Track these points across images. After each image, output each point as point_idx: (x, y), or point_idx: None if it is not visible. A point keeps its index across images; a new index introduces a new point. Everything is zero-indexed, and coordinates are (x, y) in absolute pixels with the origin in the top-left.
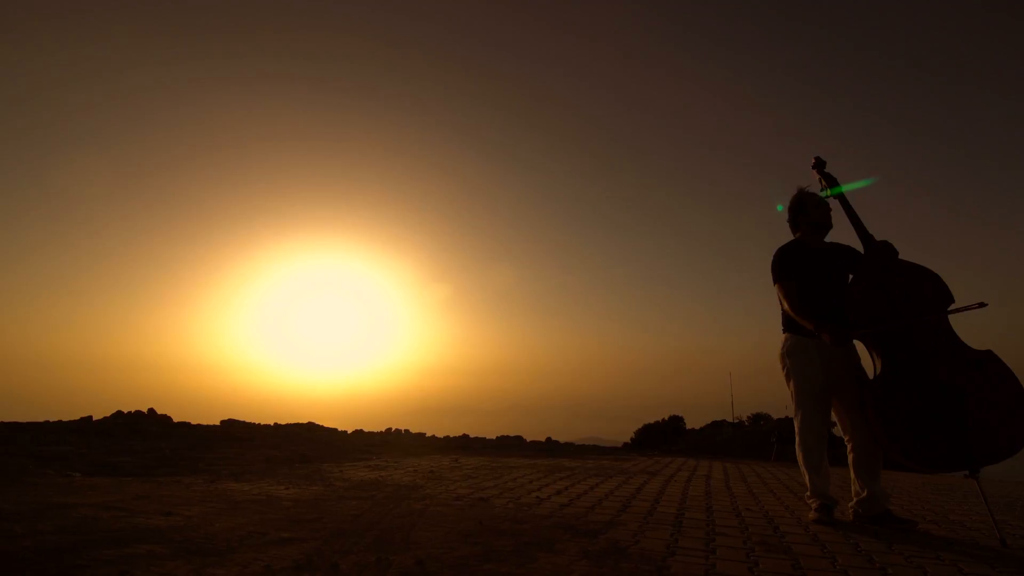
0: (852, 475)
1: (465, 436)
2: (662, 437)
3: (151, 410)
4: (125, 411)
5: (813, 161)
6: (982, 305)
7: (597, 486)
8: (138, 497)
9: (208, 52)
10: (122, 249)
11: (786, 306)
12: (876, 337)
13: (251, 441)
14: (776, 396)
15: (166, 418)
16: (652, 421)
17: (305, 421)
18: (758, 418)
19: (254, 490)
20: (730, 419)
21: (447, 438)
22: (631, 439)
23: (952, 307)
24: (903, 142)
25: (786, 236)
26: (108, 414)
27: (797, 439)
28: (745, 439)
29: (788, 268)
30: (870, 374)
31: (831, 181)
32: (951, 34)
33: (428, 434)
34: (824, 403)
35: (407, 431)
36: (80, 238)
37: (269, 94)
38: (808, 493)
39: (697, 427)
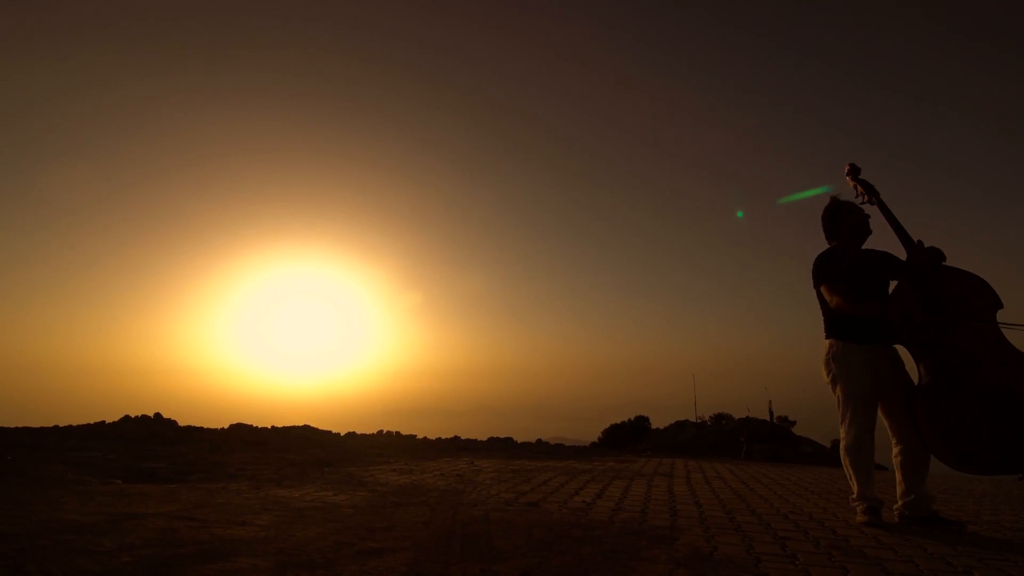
0: (899, 477)
1: (456, 438)
2: (629, 437)
3: (157, 414)
4: (132, 415)
5: (847, 168)
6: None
7: (630, 488)
8: (198, 506)
9: (190, 67)
10: (107, 256)
11: (838, 303)
12: (924, 341)
13: (263, 444)
14: (737, 396)
15: (172, 422)
16: (618, 421)
17: (301, 424)
18: (720, 418)
19: (306, 496)
20: (693, 419)
21: (439, 440)
22: (598, 439)
23: (1007, 322)
24: (864, 153)
25: (751, 241)
26: (116, 419)
27: (843, 443)
28: (708, 438)
29: (833, 271)
30: (914, 380)
31: (869, 188)
32: (915, 51)
33: (419, 436)
34: (871, 407)
35: (398, 433)
36: (67, 246)
37: (251, 107)
38: (854, 496)
39: (662, 427)
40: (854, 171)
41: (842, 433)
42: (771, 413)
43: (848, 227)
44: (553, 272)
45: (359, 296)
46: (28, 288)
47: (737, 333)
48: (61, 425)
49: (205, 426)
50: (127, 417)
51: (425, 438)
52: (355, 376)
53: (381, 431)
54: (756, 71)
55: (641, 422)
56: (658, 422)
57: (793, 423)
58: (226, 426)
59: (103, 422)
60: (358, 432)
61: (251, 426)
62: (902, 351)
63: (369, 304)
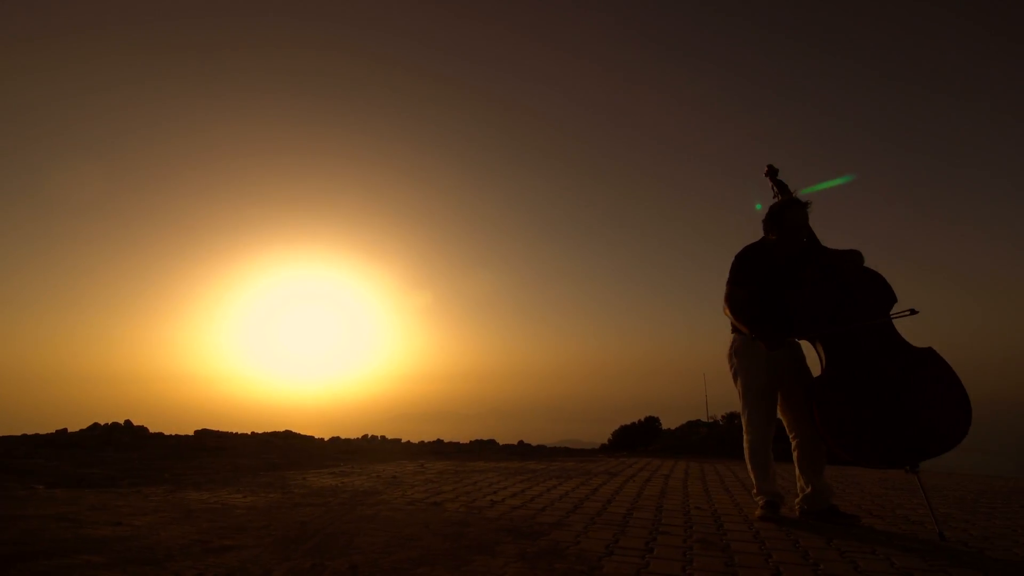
0: (797, 472)
1: (439, 441)
2: (639, 438)
3: (127, 421)
4: (102, 423)
5: (766, 169)
6: (913, 312)
7: (555, 488)
8: (93, 508)
9: (195, 70)
10: (111, 260)
11: (727, 310)
12: (823, 337)
13: (223, 450)
14: None
15: (142, 429)
16: (628, 422)
17: (283, 430)
18: (732, 417)
19: (212, 499)
20: (705, 419)
21: (421, 443)
22: (608, 441)
23: (892, 313)
24: (871, 146)
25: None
26: (85, 426)
27: (744, 438)
28: (719, 438)
29: (745, 272)
30: (816, 372)
31: (783, 189)
32: (920, 43)
33: (404, 440)
34: (770, 402)
35: (383, 437)
36: (69, 250)
37: (255, 109)
38: (755, 491)
39: (673, 427)
40: (772, 172)
41: (743, 428)
42: None
43: (789, 224)
44: (564, 271)
45: (369, 299)
46: (29, 293)
47: None
48: (29, 434)
49: (179, 433)
50: (95, 425)
51: (408, 442)
52: (367, 380)
53: (365, 436)
54: (770, 67)
55: (651, 423)
56: (669, 422)
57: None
58: (191, 432)
59: (64, 430)
60: (343, 437)
61: (216, 432)
62: (807, 346)
63: (380, 307)
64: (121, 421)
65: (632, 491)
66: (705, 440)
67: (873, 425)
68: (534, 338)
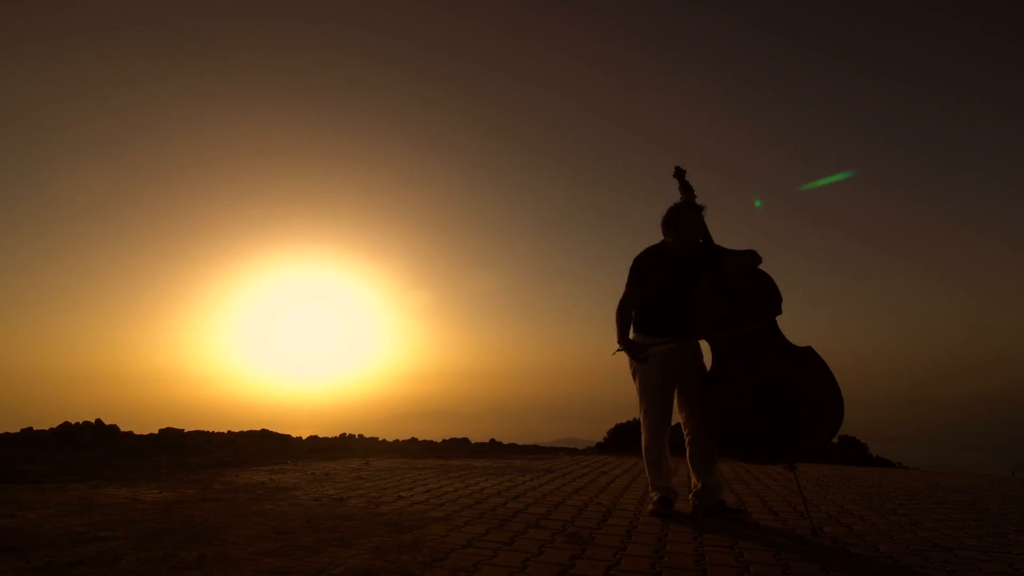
0: (689, 468)
1: (414, 439)
2: (634, 437)
3: (98, 420)
4: (73, 422)
5: (674, 171)
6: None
7: (476, 484)
8: (1, 502)
9: (197, 71)
10: (114, 261)
11: (616, 310)
12: (714, 338)
13: (180, 448)
14: None
15: (112, 428)
16: (623, 421)
17: (260, 428)
18: None
19: (125, 494)
20: None
21: (396, 442)
22: (603, 439)
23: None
24: (869, 146)
25: (757, 237)
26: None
27: (642, 436)
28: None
29: (641, 274)
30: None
31: (687, 191)
32: (927, 44)
33: (381, 438)
34: (665, 400)
35: (360, 436)
36: (55, 249)
37: (256, 110)
38: (650, 487)
39: None
40: (679, 173)
41: (641, 425)
42: None
43: (683, 226)
44: (562, 271)
45: (369, 298)
46: (31, 292)
47: None
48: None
49: (150, 432)
50: (65, 424)
51: (384, 440)
52: (367, 379)
53: (343, 434)
54: (766, 68)
55: None
56: None
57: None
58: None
59: (30, 428)
60: (320, 435)
61: (179, 430)
62: (706, 346)
63: (379, 306)
64: (92, 420)
65: (550, 488)
66: None
67: (752, 423)
68: (534, 337)
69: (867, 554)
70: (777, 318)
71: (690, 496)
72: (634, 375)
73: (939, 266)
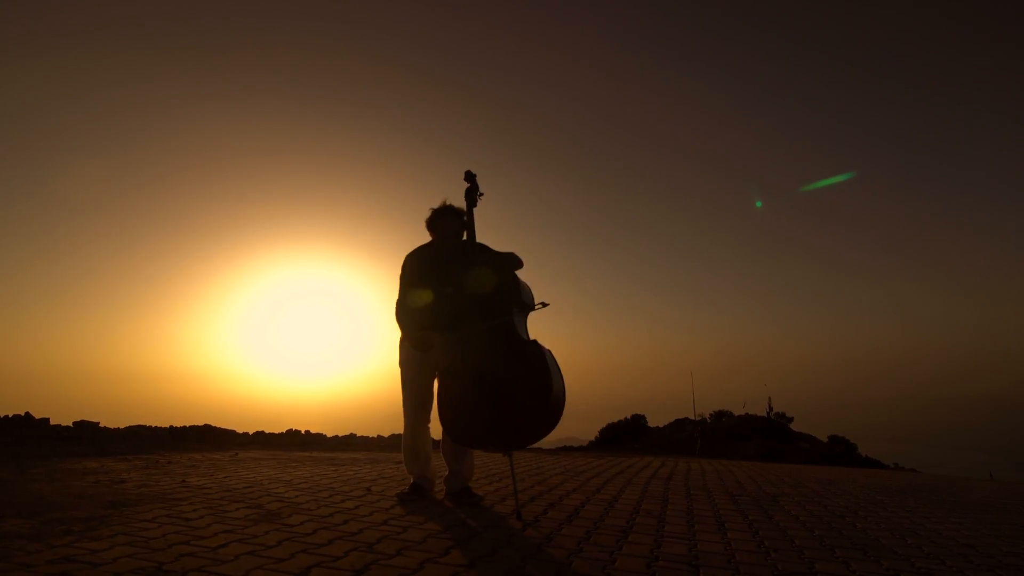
0: (443, 455)
1: (352, 435)
2: (627, 436)
3: (27, 414)
4: (11, 415)
5: (465, 175)
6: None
7: (290, 471)
8: None
9: (196, 70)
10: (114, 260)
11: (396, 307)
12: (456, 333)
13: (79, 440)
14: (736, 394)
15: (40, 422)
16: (616, 420)
17: (202, 423)
18: (720, 415)
19: None
20: (692, 417)
21: (335, 437)
22: (595, 438)
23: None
24: (869, 147)
25: (753, 237)
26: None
27: (404, 425)
28: (705, 436)
29: (410, 274)
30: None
31: (470, 197)
32: (925, 46)
33: (330, 435)
34: (421, 391)
35: (307, 432)
36: (56, 248)
37: (256, 109)
38: (408, 473)
39: (661, 425)
40: (468, 177)
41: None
42: (769, 409)
43: (442, 227)
44: (562, 270)
45: (368, 297)
46: (31, 292)
47: (739, 328)
48: None
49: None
50: (4, 417)
51: (323, 435)
52: (368, 379)
53: (289, 430)
54: (767, 69)
55: (638, 420)
56: (659, 420)
57: (791, 419)
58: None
59: None
60: (266, 431)
61: (95, 423)
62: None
63: (379, 305)
64: (113, 419)
65: (348, 474)
66: (690, 438)
67: (473, 413)
68: (532, 336)
69: (533, 536)
70: (530, 315)
71: (440, 482)
72: (400, 366)
73: (939, 267)
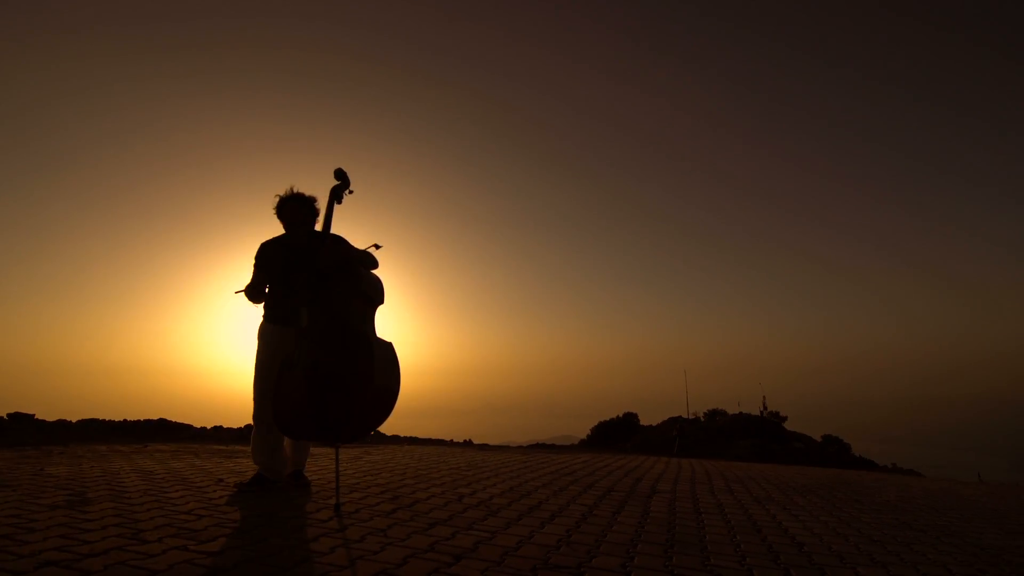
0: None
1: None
2: (619, 434)
3: (16, 413)
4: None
5: (335, 172)
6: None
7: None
8: None
9: (196, 68)
10: (102, 257)
11: (245, 294)
12: (297, 324)
13: (14, 431)
14: (732, 393)
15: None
16: (608, 418)
17: (156, 418)
18: (714, 414)
19: None
20: (686, 415)
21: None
22: (587, 436)
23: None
24: (865, 147)
25: (746, 238)
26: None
27: (253, 413)
28: (698, 435)
29: (260, 261)
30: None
31: (335, 192)
32: (922, 52)
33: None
34: (269, 380)
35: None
36: (55, 248)
37: (255, 108)
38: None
39: (654, 423)
40: (337, 174)
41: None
42: (763, 408)
43: (289, 214)
44: (560, 270)
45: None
46: (32, 290)
47: (733, 328)
48: None
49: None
50: None
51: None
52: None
53: (248, 425)
54: (762, 72)
55: (630, 419)
56: (651, 419)
57: (784, 418)
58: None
59: None
60: (224, 426)
61: (30, 415)
62: None
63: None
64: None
65: (228, 466)
66: (671, 439)
67: (301, 404)
68: (530, 335)
69: (350, 525)
70: (379, 310)
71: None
72: (257, 354)
73: (936, 268)
